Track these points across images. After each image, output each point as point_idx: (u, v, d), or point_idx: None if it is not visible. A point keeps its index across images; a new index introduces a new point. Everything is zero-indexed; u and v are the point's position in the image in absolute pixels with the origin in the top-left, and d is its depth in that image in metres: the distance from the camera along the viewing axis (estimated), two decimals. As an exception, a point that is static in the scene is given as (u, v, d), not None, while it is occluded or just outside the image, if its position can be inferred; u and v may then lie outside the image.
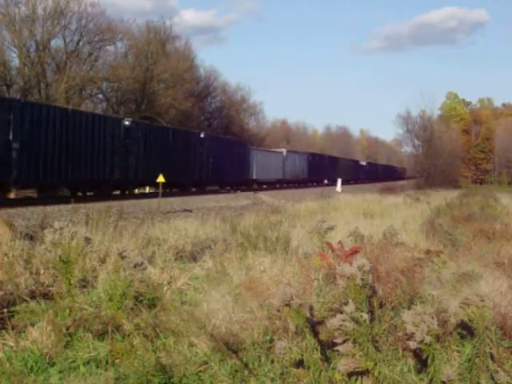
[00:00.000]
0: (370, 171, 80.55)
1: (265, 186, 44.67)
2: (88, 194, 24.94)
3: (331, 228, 5.91)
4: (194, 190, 33.26)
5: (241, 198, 25.98)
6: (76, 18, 44.57)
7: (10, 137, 19.74)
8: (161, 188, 22.11)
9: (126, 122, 27.33)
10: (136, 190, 29.86)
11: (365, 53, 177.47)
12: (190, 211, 16.78)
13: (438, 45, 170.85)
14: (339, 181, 38.89)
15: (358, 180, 67.67)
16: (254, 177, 42.85)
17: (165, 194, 23.34)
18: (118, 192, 26.76)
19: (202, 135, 35.21)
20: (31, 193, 23.36)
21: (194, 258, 7.24)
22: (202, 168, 33.99)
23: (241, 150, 40.66)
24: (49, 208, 15.58)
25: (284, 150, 50.83)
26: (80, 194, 24.62)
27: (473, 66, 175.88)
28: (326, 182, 50.70)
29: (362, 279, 3.55)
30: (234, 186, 37.25)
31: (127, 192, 27.22)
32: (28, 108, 20.86)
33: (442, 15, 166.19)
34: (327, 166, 59.36)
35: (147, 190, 31.42)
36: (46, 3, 42.44)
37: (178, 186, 31.61)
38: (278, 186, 46.51)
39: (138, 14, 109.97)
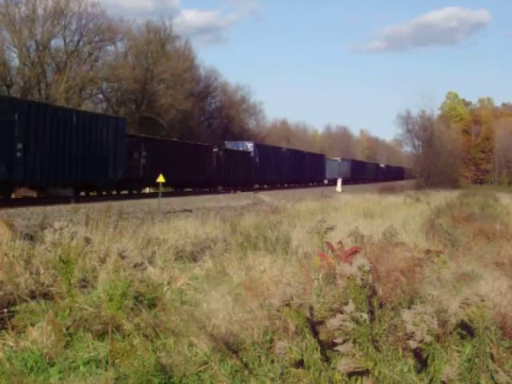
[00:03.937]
0: (387, 172, 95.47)
1: (265, 186, 45.38)
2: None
3: (331, 228, 5.90)
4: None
5: (241, 198, 25.99)
6: (76, 18, 44.59)
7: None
8: (160, 188, 22.12)
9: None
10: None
11: (365, 53, 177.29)
12: (190, 211, 16.78)
13: (438, 45, 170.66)
14: (339, 181, 38.93)
15: (378, 179, 79.31)
16: (327, 177, 61.21)
17: (165, 194, 23.40)
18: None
19: (304, 152, 59.83)
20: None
21: (194, 258, 7.23)
22: (306, 172, 56.16)
23: (321, 160, 63.33)
24: (49, 208, 15.56)
25: (339, 159, 70.46)
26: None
27: (473, 66, 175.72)
28: (326, 182, 53.62)
29: (362, 279, 3.55)
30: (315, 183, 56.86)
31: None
32: (261, 148, 45.04)
33: (443, 15, 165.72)
34: (361, 168, 77.64)
35: (147, 190, 31.85)
36: (45, 3, 42.48)
37: (294, 183, 51.25)
38: (278, 185, 47.37)
39: (139, 14, 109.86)
